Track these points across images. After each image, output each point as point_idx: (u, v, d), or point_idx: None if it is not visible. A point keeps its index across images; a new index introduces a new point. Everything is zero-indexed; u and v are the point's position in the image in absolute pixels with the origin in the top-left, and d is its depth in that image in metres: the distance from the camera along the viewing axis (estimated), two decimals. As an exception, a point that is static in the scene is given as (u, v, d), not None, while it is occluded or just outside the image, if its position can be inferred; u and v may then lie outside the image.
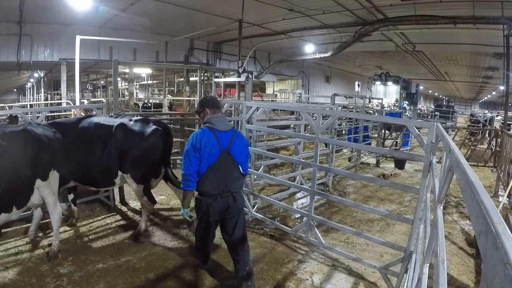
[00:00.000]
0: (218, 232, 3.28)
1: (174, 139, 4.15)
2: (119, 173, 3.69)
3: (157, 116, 8.77)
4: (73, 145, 3.53)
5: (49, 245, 3.60)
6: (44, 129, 3.16)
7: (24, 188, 2.92)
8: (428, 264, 1.79)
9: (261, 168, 5.54)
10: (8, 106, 10.07)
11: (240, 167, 2.88)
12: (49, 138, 3.09)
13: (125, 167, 3.64)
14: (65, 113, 9.81)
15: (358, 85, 27.06)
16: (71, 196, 4.12)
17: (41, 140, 3.00)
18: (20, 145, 2.83)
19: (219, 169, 2.75)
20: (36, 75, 18.52)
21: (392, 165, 8.57)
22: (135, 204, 4.82)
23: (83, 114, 6.97)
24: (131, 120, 3.81)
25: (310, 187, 3.69)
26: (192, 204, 3.03)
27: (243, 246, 2.88)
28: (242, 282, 2.81)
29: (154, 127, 3.70)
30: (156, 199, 5.01)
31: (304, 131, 6.07)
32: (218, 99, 4.26)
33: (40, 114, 4.11)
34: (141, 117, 4.04)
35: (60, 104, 11.20)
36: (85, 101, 13.46)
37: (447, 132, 6.34)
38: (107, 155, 3.61)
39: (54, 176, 3.18)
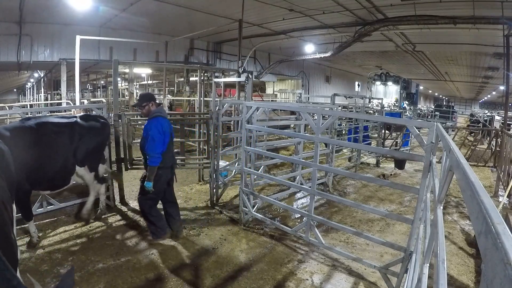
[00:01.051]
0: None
1: (174, 139, 4.24)
2: (77, 167, 3.82)
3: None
4: (29, 150, 3.29)
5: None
6: None
7: None
8: (428, 264, 1.79)
9: (261, 168, 5.54)
10: (8, 106, 10.08)
11: None
12: None
13: (83, 161, 3.82)
14: (65, 113, 9.81)
15: (358, 85, 27.05)
16: None
17: None
18: None
19: (170, 146, 3.71)
20: (36, 75, 18.52)
21: (392, 165, 8.57)
22: (135, 204, 4.82)
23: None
24: (76, 117, 3.93)
25: (310, 187, 3.69)
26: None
27: (177, 205, 4.01)
28: (179, 229, 3.93)
29: (102, 120, 4.11)
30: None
31: (304, 131, 6.07)
32: (217, 99, 4.42)
33: (40, 114, 4.11)
34: (82, 114, 4.17)
35: (60, 104, 11.19)
36: (85, 101, 13.46)
37: (447, 132, 6.34)
38: (70, 153, 3.68)
39: None
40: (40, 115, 4.21)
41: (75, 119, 3.84)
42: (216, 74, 9.51)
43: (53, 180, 3.64)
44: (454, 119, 20.21)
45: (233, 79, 8.54)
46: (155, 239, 3.77)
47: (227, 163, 5.57)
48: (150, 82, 19.91)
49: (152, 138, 3.48)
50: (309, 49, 13.41)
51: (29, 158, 3.28)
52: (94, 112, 4.81)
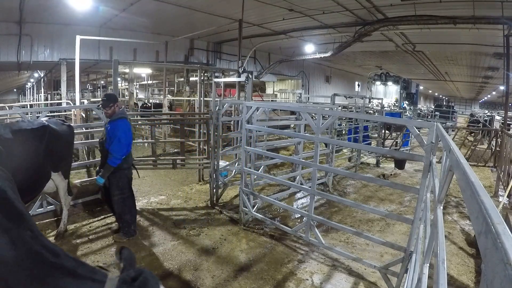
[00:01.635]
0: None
1: (174, 139, 4.24)
2: (52, 174, 3.56)
3: (157, 116, 8.75)
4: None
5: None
6: None
7: None
8: (428, 264, 1.79)
9: (261, 168, 5.54)
10: (8, 106, 10.08)
11: None
12: None
13: (58, 166, 3.57)
14: (65, 113, 9.81)
15: (358, 85, 27.03)
16: None
17: None
18: None
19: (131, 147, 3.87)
20: (36, 75, 18.51)
21: (392, 165, 8.57)
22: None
23: (83, 115, 6.97)
24: (45, 121, 3.58)
25: (310, 187, 3.69)
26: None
27: None
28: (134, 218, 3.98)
29: (67, 123, 3.86)
30: (156, 199, 5.01)
31: (304, 131, 6.07)
32: (217, 99, 4.42)
33: (40, 114, 4.11)
34: (48, 118, 3.90)
35: (60, 104, 11.19)
36: (85, 101, 13.44)
37: (447, 132, 6.34)
38: (45, 159, 3.36)
39: None
40: (8, 122, 3.78)
41: (46, 122, 3.50)
42: (216, 74, 9.51)
43: (29, 190, 3.24)
44: (454, 119, 20.22)
45: (233, 79, 8.54)
46: (125, 238, 3.80)
47: (227, 163, 5.57)
48: (150, 82, 19.91)
49: (119, 139, 3.58)
50: (309, 49, 13.40)
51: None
52: (94, 112, 4.81)
